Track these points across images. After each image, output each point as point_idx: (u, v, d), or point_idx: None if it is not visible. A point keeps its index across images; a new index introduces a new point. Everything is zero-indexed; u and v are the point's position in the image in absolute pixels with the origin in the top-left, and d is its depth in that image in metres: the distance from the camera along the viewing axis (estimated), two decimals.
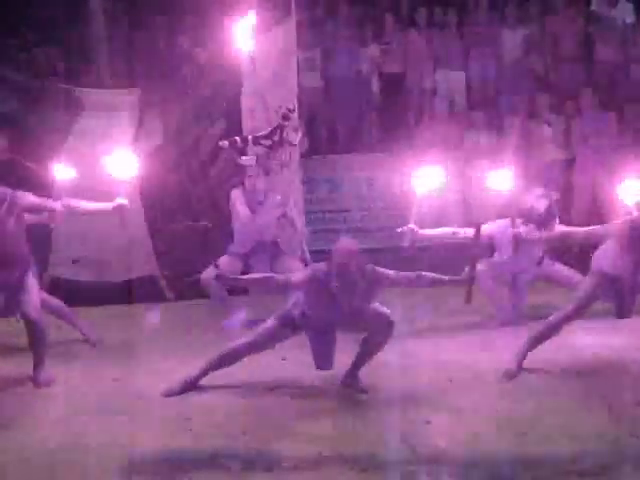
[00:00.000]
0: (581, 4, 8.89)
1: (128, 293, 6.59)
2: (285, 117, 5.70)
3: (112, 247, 6.70)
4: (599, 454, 3.68)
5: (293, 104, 6.15)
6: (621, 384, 4.52)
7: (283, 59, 6.68)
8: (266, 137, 5.59)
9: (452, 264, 7.26)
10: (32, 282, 4.82)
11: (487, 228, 5.57)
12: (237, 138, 5.69)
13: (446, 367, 4.84)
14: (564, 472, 3.55)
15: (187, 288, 6.74)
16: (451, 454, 3.73)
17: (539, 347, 4.81)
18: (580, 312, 4.76)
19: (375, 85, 8.91)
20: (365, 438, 3.92)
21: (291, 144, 5.57)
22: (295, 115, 6.08)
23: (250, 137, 5.60)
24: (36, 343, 4.80)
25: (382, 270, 4.46)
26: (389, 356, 5.00)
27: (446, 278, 4.61)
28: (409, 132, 8.16)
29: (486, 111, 8.29)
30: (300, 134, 5.72)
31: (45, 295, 5.43)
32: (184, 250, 6.91)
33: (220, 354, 4.58)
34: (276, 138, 5.57)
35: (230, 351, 4.57)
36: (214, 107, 6.99)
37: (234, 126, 6.45)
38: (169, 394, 4.57)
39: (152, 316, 6.28)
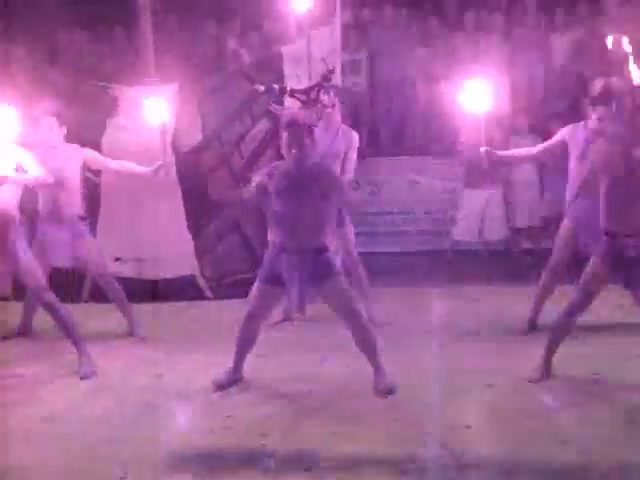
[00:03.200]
0: (632, 6, 8.74)
1: (168, 291, 6.62)
2: (324, 77, 5.60)
3: (153, 245, 6.74)
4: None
5: (333, 65, 6.05)
6: None
7: (327, 60, 6.67)
8: (303, 92, 5.52)
9: (489, 269, 7.32)
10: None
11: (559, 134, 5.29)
12: (275, 86, 5.63)
13: (487, 372, 4.78)
14: None
15: (227, 287, 6.78)
16: (491, 460, 3.68)
17: (581, 354, 4.75)
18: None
19: (420, 88, 8.88)
20: (404, 441, 3.88)
21: (323, 105, 5.47)
22: (336, 78, 5.97)
23: (289, 88, 5.54)
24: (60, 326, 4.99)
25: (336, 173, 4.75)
26: (429, 359, 5.00)
27: None
28: (452, 136, 8.09)
29: (531, 116, 8.19)
30: (334, 98, 5.55)
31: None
32: (225, 249, 6.94)
33: (237, 335, 4.65)
34: (312, 96, 5.49)
35: (240, 330, 4.63)
36: (257, 107, 6.98)
37: (277, 126, 6.45)
38: (218, 388, 4.60)
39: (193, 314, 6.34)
